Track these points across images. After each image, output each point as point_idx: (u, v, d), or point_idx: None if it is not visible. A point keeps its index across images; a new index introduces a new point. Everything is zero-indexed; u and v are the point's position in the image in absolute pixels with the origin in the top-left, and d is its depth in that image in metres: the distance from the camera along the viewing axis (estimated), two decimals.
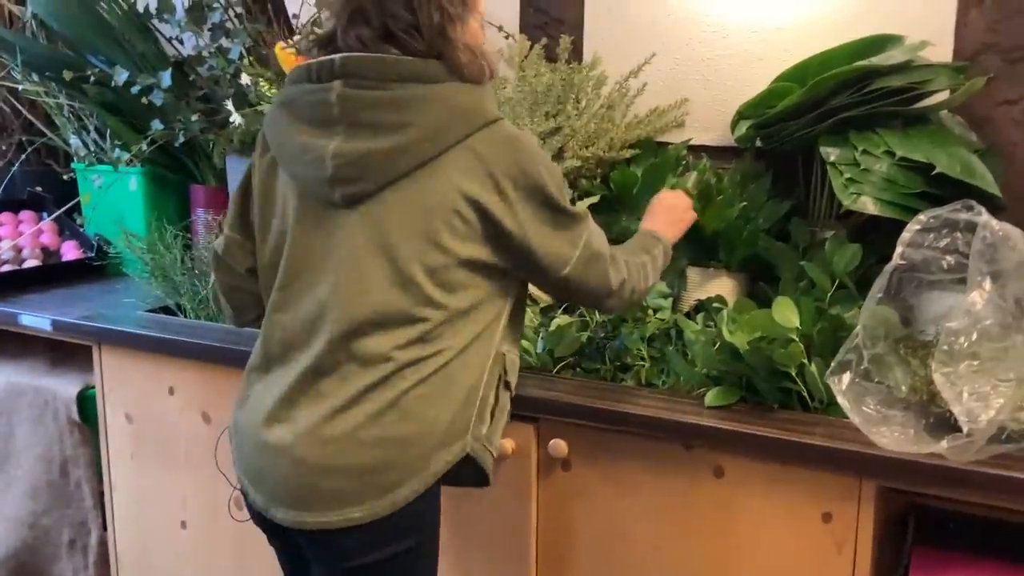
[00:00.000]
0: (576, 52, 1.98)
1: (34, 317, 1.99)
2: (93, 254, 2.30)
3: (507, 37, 1.99)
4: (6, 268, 2.24)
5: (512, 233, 1.25)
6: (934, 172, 1.46)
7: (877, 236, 1.62)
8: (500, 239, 1.25)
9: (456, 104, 1.22)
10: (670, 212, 1.61)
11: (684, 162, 1.88)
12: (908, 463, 1.23)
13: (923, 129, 1.54)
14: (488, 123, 1.24)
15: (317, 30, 1.84)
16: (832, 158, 1.52)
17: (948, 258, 1.29)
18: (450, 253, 1.22)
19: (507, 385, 1.37)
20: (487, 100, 1.26)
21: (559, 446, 1.48)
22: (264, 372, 1.32)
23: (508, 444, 1.50)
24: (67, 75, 2.12)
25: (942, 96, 1.61)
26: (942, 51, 1.70)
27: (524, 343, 1.62)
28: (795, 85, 1.61)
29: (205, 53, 2.13)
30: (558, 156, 1.78)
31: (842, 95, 1.55)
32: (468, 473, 1.32)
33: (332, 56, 1.23)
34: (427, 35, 1.22)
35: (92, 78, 2.18)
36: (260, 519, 1.32)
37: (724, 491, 1.39)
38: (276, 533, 1.33)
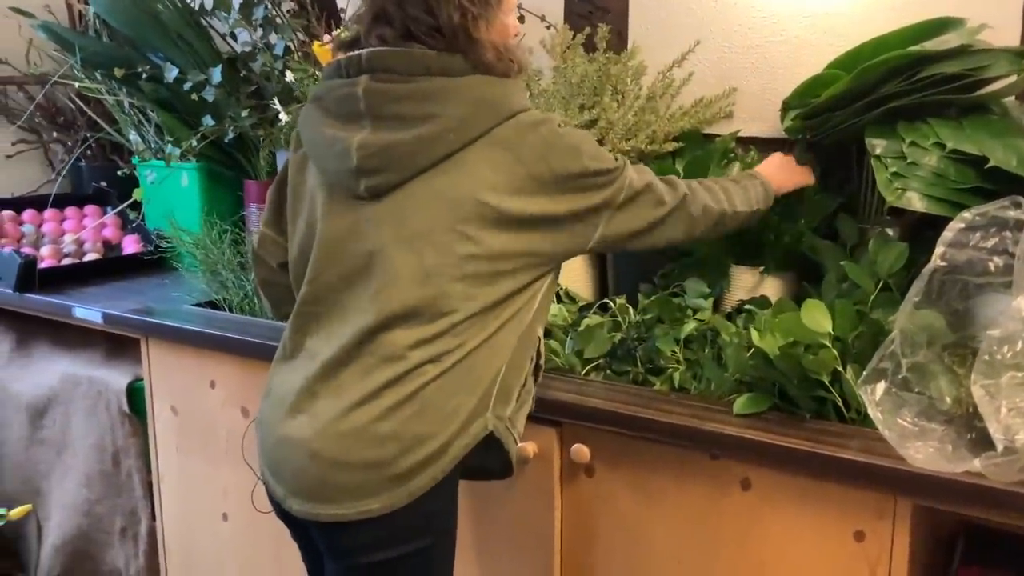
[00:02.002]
0: (621, 41, 1.91)
1: (87, 310, 2.04)
2: (151, 248, 2.35)
3: (549, 27, 1.94)
4: (67, 261, 2.30)
5: (544, 215, 1.23)
6: (987, 166, 1.34)
7: (933, 234, 1.51)
8: (532, 224, 1.23)
9: (481, 96, 1.21)
10: (783, 165, 1.60)
11: (732, 155, 1.79)
12: (944, 481, 1.14)
13: (980, 119, 1.42)
14: (515, 113, 1.23)
15: (346, 31, 1.83)
16: (878, 151, 1.42)
17: (996, 259, 1.18)
18: (480, 243, 1.21)
19: (538, 369, 1.35)
20: (514, 92, 1.25)
21: (581, 451, 1.43)
22: (289, 363, 1.32)
23: (530, 447, 1.46)
24: (118, 72, 2.17)
25: (1007, 82, 1.49)
26: (1010, 35, 1.58)
27: (552, 343, 1.58)
28: (842, 73, 1.51)
29: (254, 49, 2.15)
30: None
31: (892, 83, 1.44)
32: (491, 458, 1.29)
33: (360, 51, 1.25)
34: (448, 35, 1.21)
35: (144, 75, 2.22)
36: (280, 511, 1.32)
37: (751, 504, 1.32)
38: (295, 526, 1.34)
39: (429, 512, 1.24)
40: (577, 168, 1.24)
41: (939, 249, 1.20)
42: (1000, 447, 1.04)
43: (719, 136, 1.83)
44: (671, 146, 1.79)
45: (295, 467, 1.25)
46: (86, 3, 2.48)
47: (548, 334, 1.61)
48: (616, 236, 1.31)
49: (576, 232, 1.27)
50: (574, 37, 1.84)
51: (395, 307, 1.21)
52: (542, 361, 1.35)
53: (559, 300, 1.79)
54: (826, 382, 1.29)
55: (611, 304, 1.67)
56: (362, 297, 1.24)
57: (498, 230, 1.21)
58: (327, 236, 1.28)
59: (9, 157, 2.62)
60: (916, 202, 1.37)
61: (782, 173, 1.57)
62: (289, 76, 2.04)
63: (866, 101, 1.47)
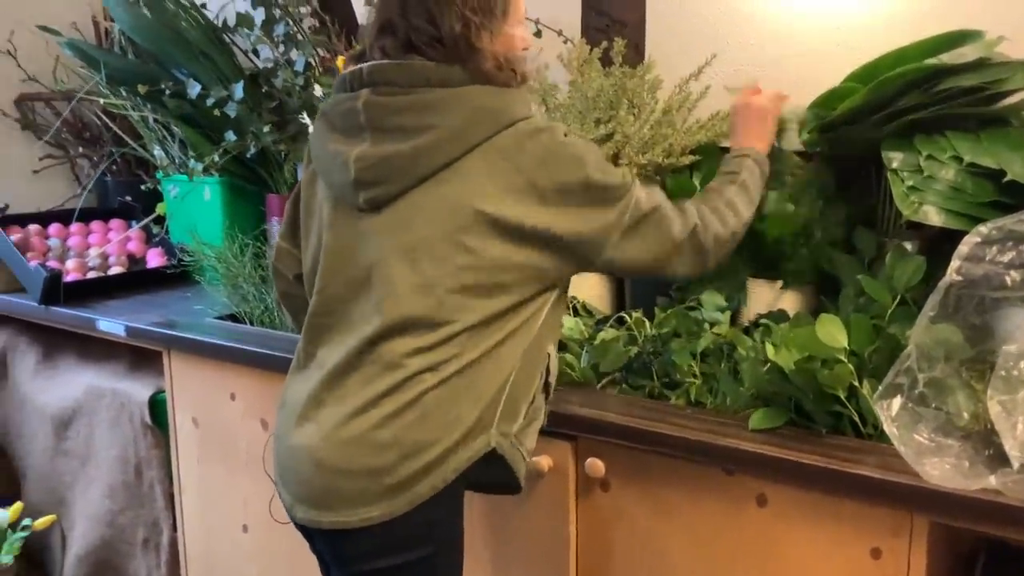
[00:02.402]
0: (638, 54, 1.92)
1: (110, 322, 2.07)
2: (175, 261, 2.37)
3: (566, 42, 1.94)
4: (92, 275, 2.33)
5: (544, 230, 1.22)
6: (1005, 179, 1.33)
7: (952, 247, 1.49)
8: (532, 237, 1.22)
9: (480, 105, 1.22)
10: (761, 123, 1.56)
11: None
12: (961, 498, 1.12)
13: (998, 132, 1.41)
14: (514, 122, 1.23)
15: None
16: (894, 164, 1.41)
17: (1013, 273, 1.17)
18: (478, 254, 1.21)
19: (547, 386, 1.34)
20: (515, 102, 1.25)
21: (596, 465, 1.43)
22: (302, 374, 1.34)
23: (545, 461, 1.46)
24: (142, 89, 2.20)
25: None
26: None
27: (568, 356, 1.58)
28: (859, 86, 1.50)
29: (275, 65, 2.17)
30: (612, 163, 1.72)
31: (909, 96, 1.44)
32: (496, 474, 1.29)
33: (361, 65, 1.26)
34: (449, 45, 1.22)
35: (168, 91, 2.26)
36: (292, 519, 1.34)
37: (766, 520, 1.31)
38: (304, 534, 1.35)
39: (431, 520, 1.24)
40: (579, 178, 1.22)
41: (955, 263, 1.19)
42: (1016, 464, 1.03)
43: None
44: (688, 159, 1.79)
45: (301, 475, 1.26)
46: (112, 21, 2.52)
47: (564, 347, 1.61)
48: (622, 264, 1.29)
49: (577, 251, 1.26)
50: (591, 51, 1.84)
51: (395, 317, 1.22)
52: (551, 378, 1.34)
53: (575, 313, 1.78)
54: (842, 397, 1.28)
55: (627, 317, 1.67)
56: (366, 307, 1.26)
57: (496, 240, 1.21)
58: (332, 248, 1.31)
59: (36, 172, 2.66)
60: (933, 216, 1.35)
61: (761, 130, 1.55)
62: (318, 91, 2.06)
63: (883, 114, 1.46)
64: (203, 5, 2.37)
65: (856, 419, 1.29)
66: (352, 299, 1.28)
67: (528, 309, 1.27)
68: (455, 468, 1.23)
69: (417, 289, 1.22)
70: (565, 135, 1.25)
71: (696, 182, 1.75)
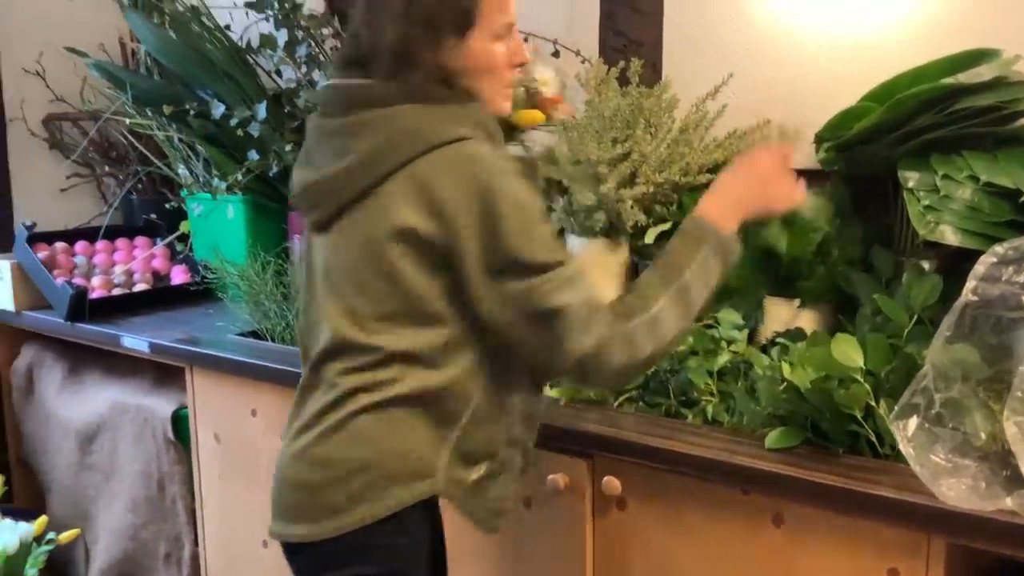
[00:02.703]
0: (655, 74, 1.93)
1: (134, 339, 2.10)
2: (198, 279, 2.41)
3: (583, 61, 1.96)
4: (118, 291, 2.37)
5: (456, 265, 1.14)
6: (1022, 199, 1.33)
7: (971, 266, 1.49)
8: (446, 271, 1.15)
9: (399, 127, 1.16)
10: (753, 191, 1.24)
11: None
12: (978, 519, 1.12)
13: (1015, 151, 1.41)
14: (438, 145, 1.14)
15: None
16: (911, 183, 1.41)
17: None
18: (396, 282, 1.17)
19: (513, 440, 1.28)
20: (442, 121, 1.16)
21: (612, 484, 1.43)
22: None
23: (561, 479, 1.47)
24: (167, 109, 2.24)
25: None
26: None
27: None
28: (875, 105, 1.51)
29: (298, 85, 2.20)
30: (629, 182, 1.73)
31: (925, 115, 1.44)
32: (466, 514, 1.27)
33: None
34: (385, 61, 1.17)
35: (192, 111, 2.29)
36: None
37: (783, 540, 1.31)
38: None
39: (368, 543, 1.22)
40: (498, 219, 1.11)
41: (970, 283, 1.19)
42: None
43: None
44: (705, 178, 1.80)
45: (272, 488, 1.31)
46: (138, 42, 2.57)
47: None
48: (501, 334, 1.17)
49: (481, 297, 1.14)
50: (608, 71, 1.86)
51: (331, 339, 1.23)
52: (516, 431, 1.27)
53: None
54: (859, 417, 1.28)
55: None
56: (313, 329, 1.29)
57: (412, 268, 1.16)
58: (303, 270, 1.35)
59: (63, 190, 2.71)
60: (949, 235, 1.36)
61: (748, 200, 1.24)
62: None
63: (899, 133, 1.47)
64: (227, 27, 2.41)
65: (873, 439, 1.29)
66: (315, 320, 1.29)
67: (469, 352, 1.19)
68: (389, 506, 1.20)
69: (344, 313, 1.21)
70: (497, 166, 1.13)
71: None
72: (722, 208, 1.23)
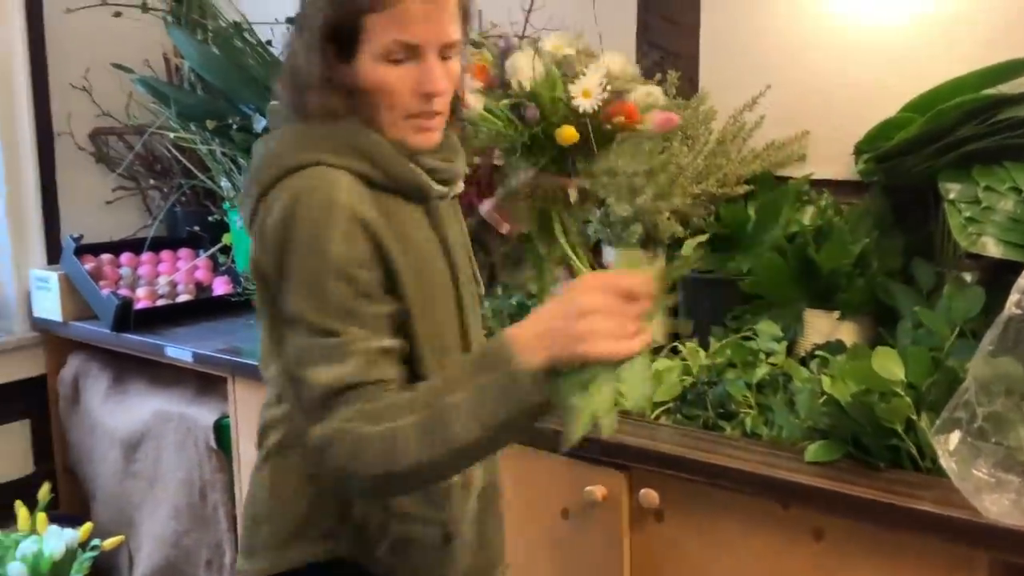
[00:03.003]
0: (692, 86, 1.93)
1: (178, 349, 2.14)
2: (240, 290, 2.44)
3: None
4: (162, 302, 2.41)
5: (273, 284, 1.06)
6: None
7: (1015, 278, 1.47)
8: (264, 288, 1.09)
9: (265, 152, 1.08)
10: (562, 317, 0.93)
11: (805, 197, 1.78)
12: (1021, 535, 1.11)
13: None
14: (293, 169, 1.03)
15: None
16: (952, 195, 1.40)
17: None
18: (264, 315, 1.11)
19: (402, 516, 1.11)
20: (304, 144, 1.05)
21: (650, 496, 1.43)
22: None
23: (599, 491, 1.47)
24: (210, 123, 2.28)
25: None
26: None
27: (622, 387, 1.58)
28: (916, 116, 1.50)
29: None
30: (666, 194, 1.73)
31: (967, 126, 1.43)
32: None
33: None
34: (286, 77, 1.10)
35: (235, 125, 2.33)
36: None
37: (823, 555, 1.30)
38: None
39: None
40: (284, 263, 1.02)
41: (1014, 296, 1.18)
42: None
43: (792, 179, 1.82)
44: (743, 189, 1.80)
45: None
46: (182, 58, 2.61)
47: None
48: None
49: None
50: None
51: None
52: (409, 508, 1.11)
53: None
54: (900, 431, 1.27)
55: (682, 347, 1.68)
56: None
57: (260, 302, 1.11)
58: None
59: (109, 203, 2.76)
60: (991, 247, 1.34)
61: (557, 342, 0.92)
62: None
63: (940, 144, 1.46)
64: (268, 43, 2.44)
65: (914, 453, 1.28)
66: None
67: None
68: (291, 560, 1.12)
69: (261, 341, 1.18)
70: (312, 199, 1.01)
71: (751, 211, 1.76)
72: (527, 337, 0.95)
